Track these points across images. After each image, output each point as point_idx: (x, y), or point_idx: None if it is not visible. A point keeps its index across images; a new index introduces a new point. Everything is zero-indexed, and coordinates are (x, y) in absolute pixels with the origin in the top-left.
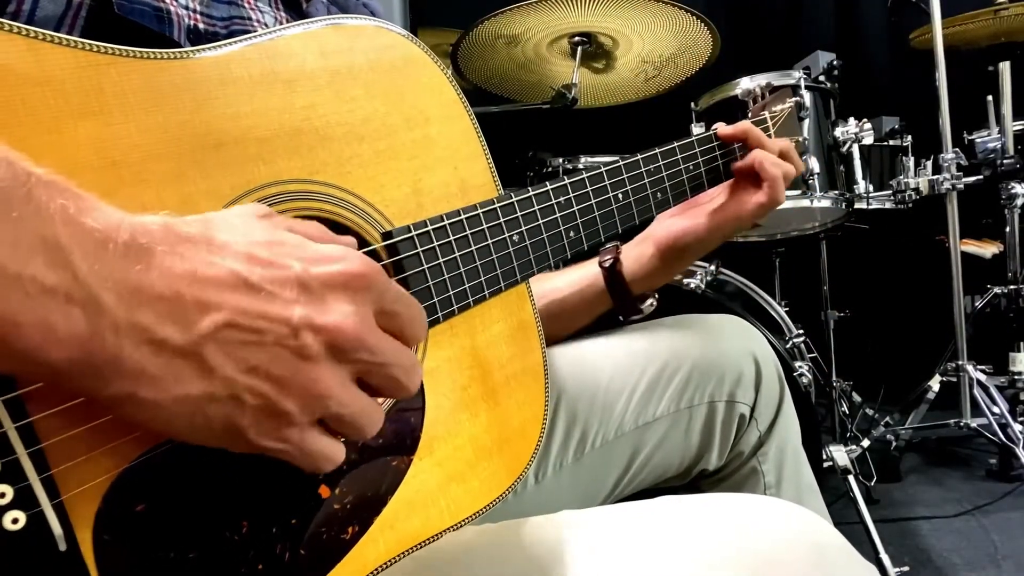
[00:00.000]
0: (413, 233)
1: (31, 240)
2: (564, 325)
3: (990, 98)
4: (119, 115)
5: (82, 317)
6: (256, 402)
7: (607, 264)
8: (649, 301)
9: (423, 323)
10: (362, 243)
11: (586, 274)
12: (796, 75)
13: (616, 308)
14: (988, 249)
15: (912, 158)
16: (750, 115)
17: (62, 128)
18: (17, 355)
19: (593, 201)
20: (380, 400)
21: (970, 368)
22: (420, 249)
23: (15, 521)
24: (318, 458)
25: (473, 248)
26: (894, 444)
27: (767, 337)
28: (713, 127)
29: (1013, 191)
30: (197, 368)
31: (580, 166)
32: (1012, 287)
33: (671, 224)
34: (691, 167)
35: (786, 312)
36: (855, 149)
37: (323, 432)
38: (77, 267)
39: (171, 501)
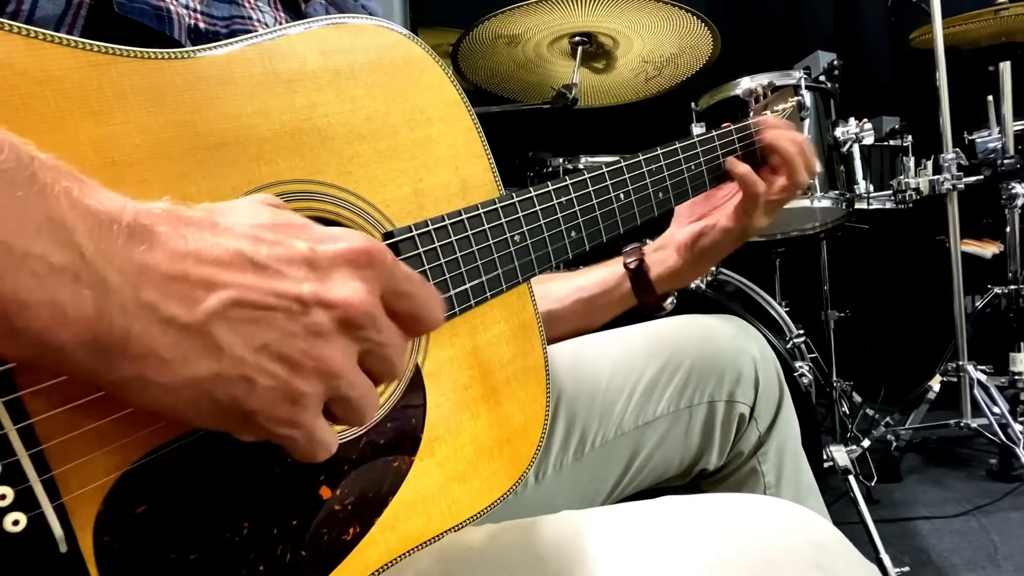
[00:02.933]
0: (414, 233)
1: (37, 220)
2: (589, 322)
3: (990, 98)
4: (120, 115)
5: (90, 297)
6: (268, 383)
7: (633, 267)
8: (670, 299)
9: (440, 304)
10: None
11: (612, 274)
12: (796, 75)
13: (641, 307)
14: (988, 249)
15: (912, 158)
16: (752, 114)
17: (63, 128)
18: (25, 336)
19: (595, 201)
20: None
21: (970, 368)
22: (421, 249)
23: (16, 523)
24: (320, 447)
25: (475, 248)
26: (894, 444)
27: (767, 337)
28: (723, 126)
29: (1013, 191)
30: (205, 347)
31: (580, 166)
32: (1012, 287)
33: (693, 230)
34: (693, 167)
35: (786, 312)
36: (855, 149)
37: (325, 420)
38: (83, 247)
39: (172, 503)
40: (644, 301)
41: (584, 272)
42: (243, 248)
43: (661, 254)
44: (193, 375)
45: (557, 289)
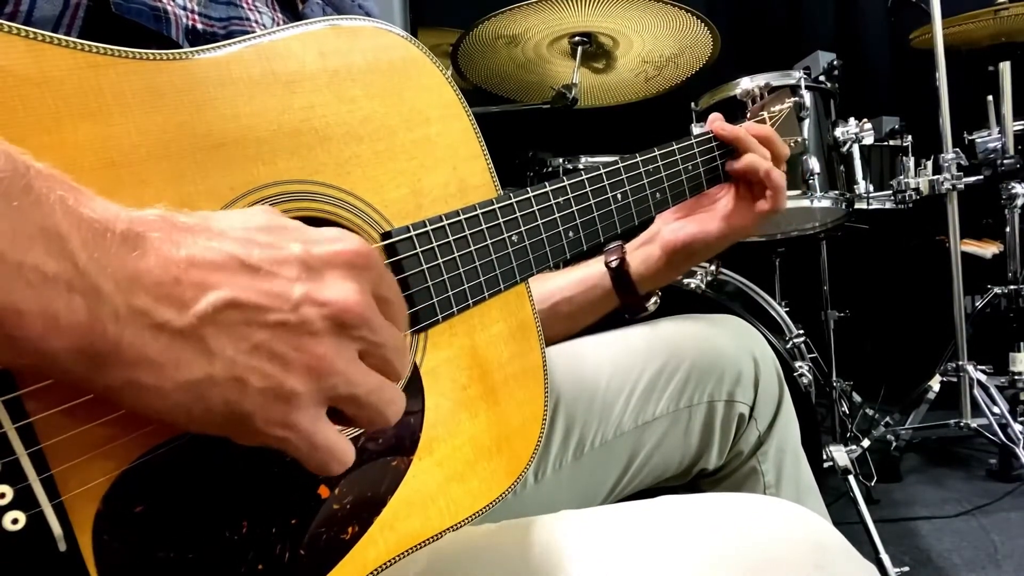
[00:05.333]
0: (412, 233)
1: (31, 230)
2: (571, 324)
3: (990, 98)
4: (118, 116)
5: (83, 305)
6: (260, 383)
7: (613, 265)
8: (654, 299)
9: (407, 316)
10: None
11: (591, 273)
12: (796, 75)
13: (623, 307)
14: (988, 249)
15: (912, 158)
16: (748, 115)
17: (61, 129)
18: (19, 345)
19: (592, 201)
20: None
21: (970, 368)
22: (419, 250)
23: (15, 521)
24: (326, 454)
25: (472, 249)
26: (894, 444)
27: (767, 337)
28: (710, 117)
29: (1013, 191)
30: (197, 350)
31: (580, 166)
32: (1012, 287)
33: (679, 228)
34: (690, 167)
35: (786, 312)
36: (855, 149)
37: (333, 425)
38: (77, 256)
39: (171, 502)
40: (625, 301)
41: (562, 273)
42: (235, 251)
43: (644, 251)
44: (186, 379)
45: (535, 292)
